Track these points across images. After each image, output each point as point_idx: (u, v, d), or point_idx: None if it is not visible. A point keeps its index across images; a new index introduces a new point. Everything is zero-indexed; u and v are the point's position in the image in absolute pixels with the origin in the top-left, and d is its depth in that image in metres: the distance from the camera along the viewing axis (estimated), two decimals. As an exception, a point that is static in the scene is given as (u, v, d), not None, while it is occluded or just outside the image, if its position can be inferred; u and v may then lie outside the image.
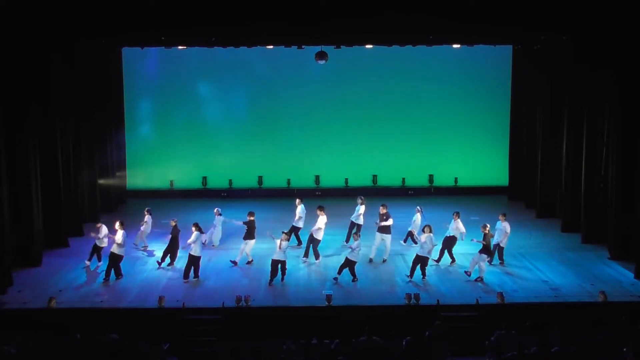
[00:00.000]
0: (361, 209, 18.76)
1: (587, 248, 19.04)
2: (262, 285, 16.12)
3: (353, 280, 16.19)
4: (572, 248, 19.07)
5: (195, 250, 16.37)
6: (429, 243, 16.28)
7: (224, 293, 15.36)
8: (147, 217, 18.69)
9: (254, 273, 17.02)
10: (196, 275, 16.48)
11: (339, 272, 16.31)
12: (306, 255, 17.86)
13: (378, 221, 17.80)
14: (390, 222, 17.71)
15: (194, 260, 16.43)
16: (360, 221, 18.70)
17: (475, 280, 16.28)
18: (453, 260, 17.53)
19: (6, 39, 16.27)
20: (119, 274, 16.54)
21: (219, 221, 18.90)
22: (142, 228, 18.66)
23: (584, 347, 12.01)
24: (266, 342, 12.43)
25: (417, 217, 18.72)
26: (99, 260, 17.41)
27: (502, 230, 17.42)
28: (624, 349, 11.54)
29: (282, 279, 16.27)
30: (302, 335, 12.82)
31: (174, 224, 17.58)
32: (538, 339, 12.20)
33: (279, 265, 16.16)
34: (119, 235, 16.55)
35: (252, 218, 17.71)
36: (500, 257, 17.48)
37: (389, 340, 12.49)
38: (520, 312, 14.08)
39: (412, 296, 14.50)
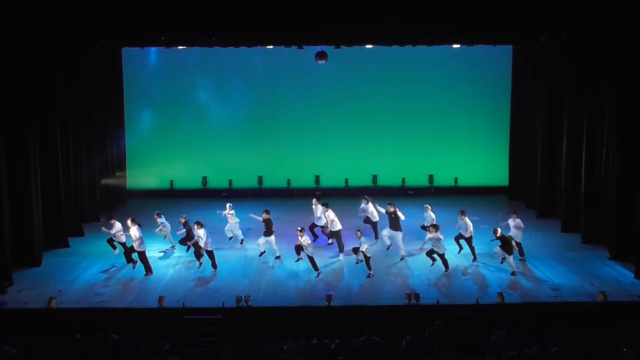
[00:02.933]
0: (369, 207, 18.91)
1: (587, 248, 19.03)
2: (262, 285, 16.12)
3: (368, 276, 16.48)
4: (572, 248, 19.07)
5: (208, 245, 16.82)
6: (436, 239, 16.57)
7: (224, 293, 15.38)
8: (161, 219, 18.51)
9: (254, 273, 17.01)
10: (214, 266, 16.97)
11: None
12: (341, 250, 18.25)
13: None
14: (400, 216, 17.88)
15: (211, 255, 16.94)
16: (376, 217, 19.02)
17: (511, 274, 16.55)
18: (474, 257, 17.69)
19: (6, 38, 16.27)
20: (148, 270, 16.80)
21: (231, 215, 18.82)
22: (160, 232, 18.56)
23: (584, 347, 12.02)
24: (266, 341, 12.46)
25: (428, 215, 18.75)
26: (115, 249, 17.60)
27: (518, 225, 17.56)
28: (624, 349, 11.57)
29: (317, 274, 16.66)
30: (302, 335, 12.86)
31: (183, 220, 17.92)
32: (538, 339, 12.22)
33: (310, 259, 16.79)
34: (134, 231, 16.68)
35: (267, 216, 17.89)
36: (521, 253, 17.70)
37: (389, 340, 12.51)
38: (520, 312, 14.11)
39: (412, 296, 14.53)
